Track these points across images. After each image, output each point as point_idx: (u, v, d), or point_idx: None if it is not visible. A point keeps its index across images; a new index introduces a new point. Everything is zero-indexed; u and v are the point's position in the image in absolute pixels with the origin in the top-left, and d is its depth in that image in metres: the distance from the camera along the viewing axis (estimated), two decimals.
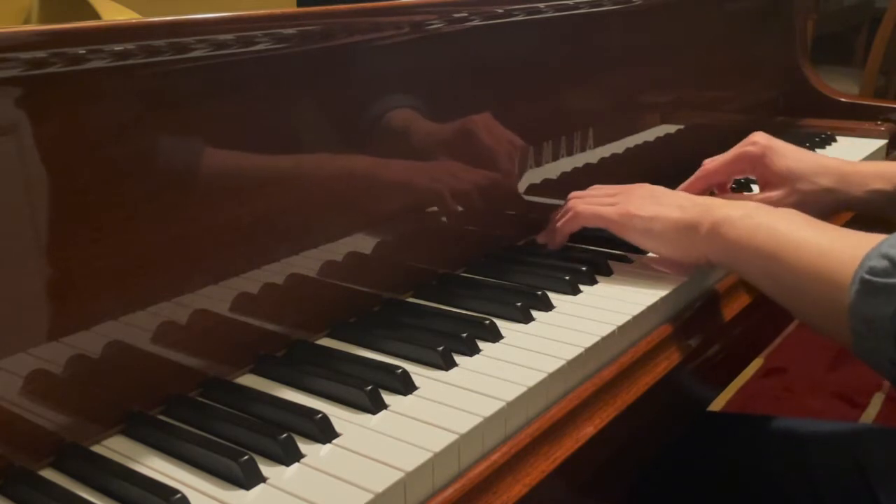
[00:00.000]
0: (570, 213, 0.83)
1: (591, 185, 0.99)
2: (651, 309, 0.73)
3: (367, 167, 0.72)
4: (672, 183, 1.03)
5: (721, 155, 0.95)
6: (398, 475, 0.50)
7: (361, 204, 0.72)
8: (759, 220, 0.70)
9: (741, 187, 1.04)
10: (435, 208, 0.79)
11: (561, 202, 0.96)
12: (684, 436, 0.84)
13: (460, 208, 0.82)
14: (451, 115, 0.80)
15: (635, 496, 0.83)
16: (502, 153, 0.86)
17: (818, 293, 0.64)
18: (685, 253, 0.77)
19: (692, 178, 0.95)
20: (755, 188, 1.01)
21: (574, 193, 0.87)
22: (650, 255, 0.82)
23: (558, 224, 0.85)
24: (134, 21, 0.60)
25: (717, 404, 1.89)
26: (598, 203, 0.82)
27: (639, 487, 0.81)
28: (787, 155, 0.92)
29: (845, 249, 0.62)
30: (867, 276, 0.58)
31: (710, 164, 0.95)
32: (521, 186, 0.89)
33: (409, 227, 0.77)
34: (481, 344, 0.66)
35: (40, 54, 0.49)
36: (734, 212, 0.73)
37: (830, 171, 0.91)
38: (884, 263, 0.58)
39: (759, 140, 0.94)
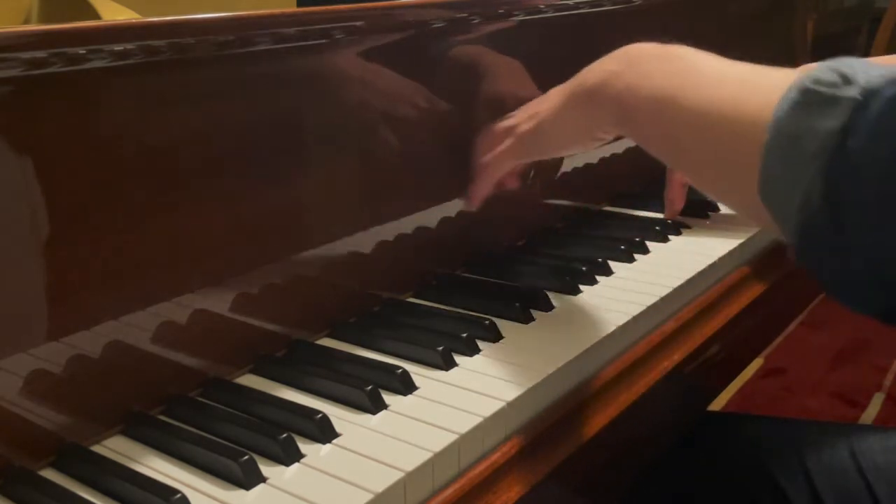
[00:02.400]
0: (479, 173, 0.77)
1: (591, 185, 0.99)
2: (652, 308, 0.73)
3: (366, 166, 0.72)
4: None
5: None
6: (398, 475, 0.50)
7: (361, 203, 0.72)
8: (647, 65, 0.59)
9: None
10: (435, 208, 0.79)
11: (560, 202, 0.96)
12: (685, 435, 0.84)
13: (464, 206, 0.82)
14: (451, 115, 0.80)
15: (636, 496, 0.83)
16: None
17: (729, 130, 0.51)
18: (583, 132, 0.67)
19: (673, 174, 0.92)
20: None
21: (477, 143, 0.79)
22: (642, 260, 0.81)
23: (471, 189, 0.79)
24: (134, 21, 0.60)
25: (717, 404, 1.89)
26: (496, 140, 0.75)
27: (639, 487, 0.81)
28: None
29: (774, 78, 0.51)
30: (811, 85, 0.46)
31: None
32: (524, 184, 0.89)
33: (410, 227, 0.77)
34: (481, 344, 0.66)
35: (40, 54, 0.49)
36: (614, 65, 0.62)
37: None
38: (832, 76, 0.46)
39: None
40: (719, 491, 0.84)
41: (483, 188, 0.78)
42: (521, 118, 0.73)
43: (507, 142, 0.74)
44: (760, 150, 0.47)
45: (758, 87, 0.52)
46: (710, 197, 0.57)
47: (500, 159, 0.75)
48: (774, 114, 0.47)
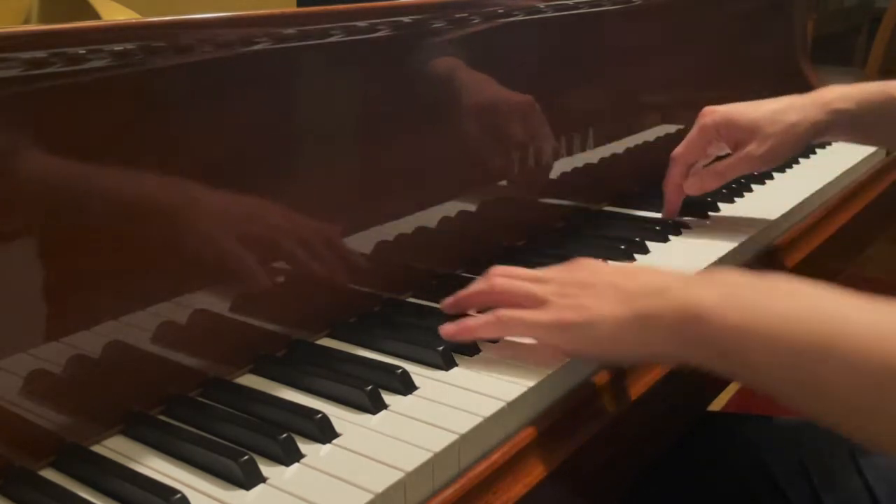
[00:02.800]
0: (490, 318, 0.64)
1: (591, 185, 0.99)
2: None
3: (365, 166, 0.72)
4: None
5: (684, 139, 0.93)
6: (398, 475, 0.50)
7: (361, 203, 0.72)
8: (750, 301, 0.52)
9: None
10: (435, 208, 0.79)
11: (560, 202, 0.96)
12: (685, 435, 0.84)
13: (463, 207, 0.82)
14: (451, 114, 0.80)
15: (636, 495, 0.83)
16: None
17: (881, 390, 0.46)
18: (649, 355, 0.61)
19: (669, 174, 0.93)
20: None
21: (496, 270, 0.67)
22: (641, 260, 0.81)
23: (471, 323, 0.65)
24: (134, 21, 0.60)
25: (717, 404, 1.88)
26: (522, 296, 0.64)
27: (640, 486, 0.81)
28: (745, 109, 0.91)
29: None
30: None
31: (676, 151, 0.93)
32: (521, 186, 0.89)
33: (410, 227, 0.77)
34: (482, 344, 0.66)
35: (40, 54, 0.49)
36: (707, 292, 0.54)
37: (788, 107, 0.89)
38: None
39: (712, 108, 0.93)
40: (719, 490, 0.84)
41: (481, 334, 0.65)
42: (561, 295, 0.62)
43: (542, 316, 0.62)
44: None
45: None
46: (855, 439, 0.51)
47: (523, 326, 0.63)
48: None
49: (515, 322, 0.63)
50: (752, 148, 0.89)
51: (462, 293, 0.69)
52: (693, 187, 0.92)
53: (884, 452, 0.50)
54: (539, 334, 0.63)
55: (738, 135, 0.91)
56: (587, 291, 0.61)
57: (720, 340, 0.53)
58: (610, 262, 0.80)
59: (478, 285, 0.68)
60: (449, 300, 0.70)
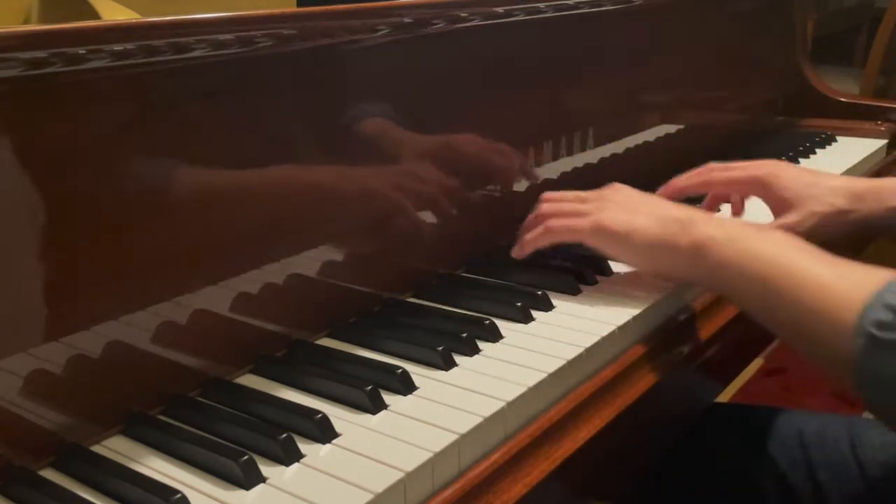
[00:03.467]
0: (540, 229, 0.77)
1: (590, 184, 0.99)
2: (650, 308, 0.73)
3: (367, 167, 0.72)
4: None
5: (730, 168, 0.90)
6: (398, 475, 0.50)
7: (361, 203, 0.72)
8: (747, 244, 0.66)
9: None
10: (436, 207, 0.79)
11: None
12: (692, 426, 0.84)
13: (454, 212, 0.82)
14: (451, 114, 0.80)
15: (644, 485, 0.83)
16: (495, 161, 0.85)
17: (818, 332, 0.60)
18: (664, 271, 0.73)
19: (694, 174, 0.90)
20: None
21: (546, 196, 0.81)
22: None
23: (528, 238, 0.78)
24: (134, 21, 0.60)
25: (724, 396, 1.89)
26: (569, 212, 0.77)
27: (646, 479, 0.81)
28: (796, 177, 0.88)
29: (848, 288, 0.58)
30: (874, 331, 0.55)
31: (717, 174, 0.89)
32: (521, 186, 0.89)
33: (410, 227, 0.77)
34: (481, 344, 0.66)
35: (40, 54, 0.49)
36: (717, 231, 0.68)
37: (842, 191, 0.86)
38: (889, 316, 0.55)
39: (768, 166, 0.89)
40: (725, 480, 0.84)
41: (538, 244, 0.78)
42: (609, 207, 0.75)
43: (584, 221, 0.75)
44: (850, 365, 0.56)
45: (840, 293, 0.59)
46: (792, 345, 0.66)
47: (569, 232, 0.76)
48: (854, 351, 0.56)
49: (563, 229, 0.76)
50: (793, 220, 0.85)
51: (527, 238, 0.79)
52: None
53: (819, 370, 0.63)
54: (583, 238, 0.75)
55: (779, 200, 0.87)
56: (627, 208, 0.74)
57: (716, 270, 0.67)
58: (610, 261, 0.81)
59: (536, 230, 0.79)
60: (516, 247, 0.80)
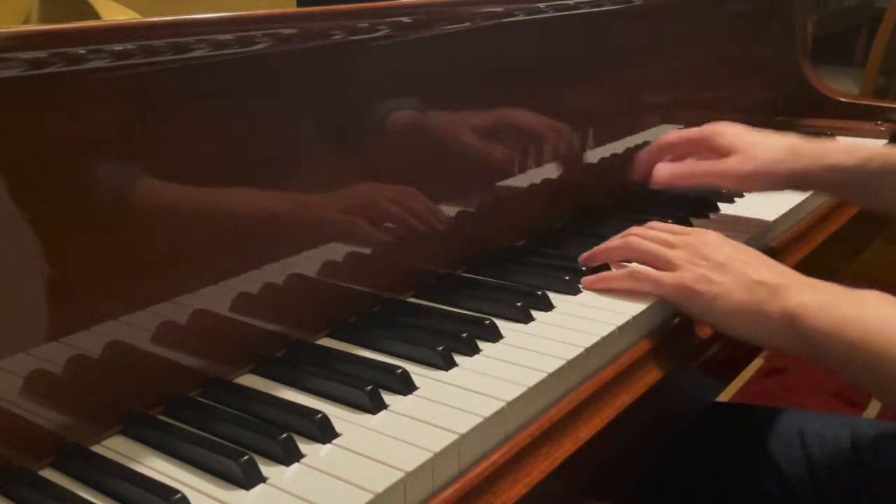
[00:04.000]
0: (625, 273, 0.75)
1: (591, 184, 0.99)
2: (649, 310, 0.73)
3: (367, 167, 0.72)
4: None
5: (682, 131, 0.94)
6: (398, 475, 0.50)
7: (362, 204, 0.72)
8: (845, 311, 0.64)
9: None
10: (436, 208, 0.79)
11: (560, 202, 0.95)
12: (693, 425, 0.84)
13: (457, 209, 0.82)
14: (451, 114, 0.80)
15: (645, 484, 0.84)
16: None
17: None
18: (754, 337, 0.70)
19: (646, 151, 0.94)
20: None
21: (631, 230, 0.79)
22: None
23: (608, 277, 0.76)
24: (134, 21, 0.60)
25: (725, 395, 1.88)
26: (656, 255, 0.75)
27: (646, 478, 0.81)
28: (741, 132, 0.90)
29: None
30: None
31: (668, 136, 0.93)
32: (522, 186, 0.89)
33: (409, 227, 0.77)
34: (481, 344, 0.66)
35: (40, 54, 0.49)
36: (809, 298, 0.66)
37: (782, 145, 0.88)
38: None
39: (717, 125, 0.92)
40: (726, 479, 0.84)
41: (617, 287, 0.75)
42: (691, 264, 0.72)
43: (668, 279, 0.72)
44: None
45: None
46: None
47: (656, 286, 0.73)
48: None
49: (647, 278, 0.74)
50: (730, 163, 0.88)
51: (599, 247, 0.79)
52: (659, 175, 0.91)
53: None
54: (666, 293, 0.73)
55: (722, 153, 0.90)
56: (714, 267, 0.71)
57: (814, 341, 0.65)
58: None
59: (614, 241, 0.78)
60: (586, 254, 0.80)
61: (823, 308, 0.65)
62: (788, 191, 0.94)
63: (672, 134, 0.94)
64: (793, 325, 0.66)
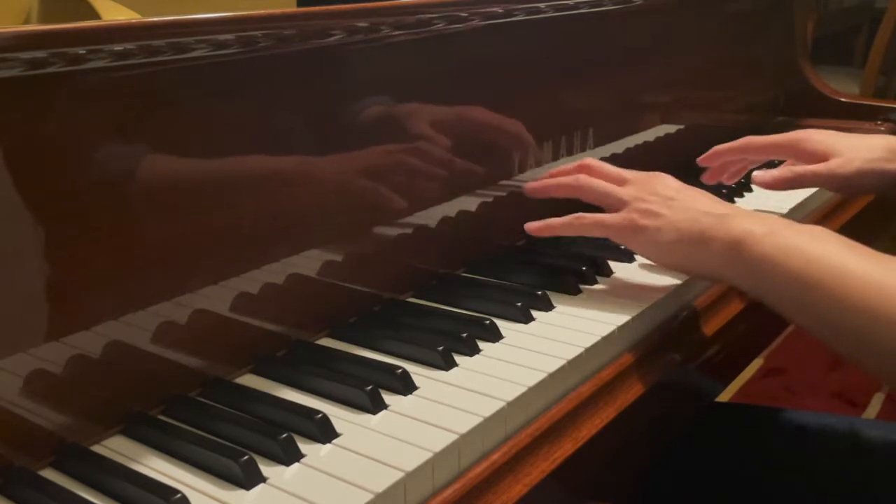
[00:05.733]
0: (571, 220, 0.76)
1: None
2: (650, 308, 0.73)
3: (367, 168, 0.72)
4: None
5: (768, 137, 0.94)
6: (398, 475, 0.50)
7: (361, 204, 0.72)
8: (789, 240, 0.63)
9: (735, 191, 1.03)
10: (435, 208, 0.79)
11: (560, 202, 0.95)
12: (693, 425, 0.84)
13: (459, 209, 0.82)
14: (451, 114, 0.80)
15: (646, 485, 0.84)
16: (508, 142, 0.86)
17: (872, 332, 0.57)
18: (695, 267, 0.70)
19: (729, 146, 0.94)
20: (747, 196, 1.00)
21: (587, 162, 0.79)
22: (642, 260, 0.80)
23: (555, 224, 0.77)
24: (134, 21, 0.60)
25: (725, 395, 1.88)
26: (606, 192, 0.75)
27: (647, 478, 0.81)
28: (833, 136, 0.90)
29: None
30: None
31: (752, 140, 0.93)
32: (522, 186, 0.89)
33: (410, 227, 0.77)
34: (481, 344, 0.66)
35: (40, 54, 0.49)
36: (756, 227, 0.65)
37: (880, 145, 0.88)
38: None
39: (804, 130, 0.93)
40: (725, 479, 0.84)
41: (562, 233, 0.77)
42: (639, 200, 0.72)
43: (616, 218, 0.73)
44: None
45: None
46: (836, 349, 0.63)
47: (600, 228, 0.74)
48: None
49: (593, 223, 0.74)
50: (836, 164, 0.87)
51: (549, 182, 0.79)
52: (764, 180, 0.90)
53: (867, 372, 0.61)
54: (612, 234, 0.73)
55: (815, 158, 0.89)
56: (662, 201, 0.71)
57: (754, 266, 0.64)
58: (610, 261, 0.81)
59: (564, 179, 0.78)
60: (534, 184, 0.81)
61: (768, 236, 0.63)
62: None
63: (757, 138, 0.93)
64: (737, 250, 0.64)
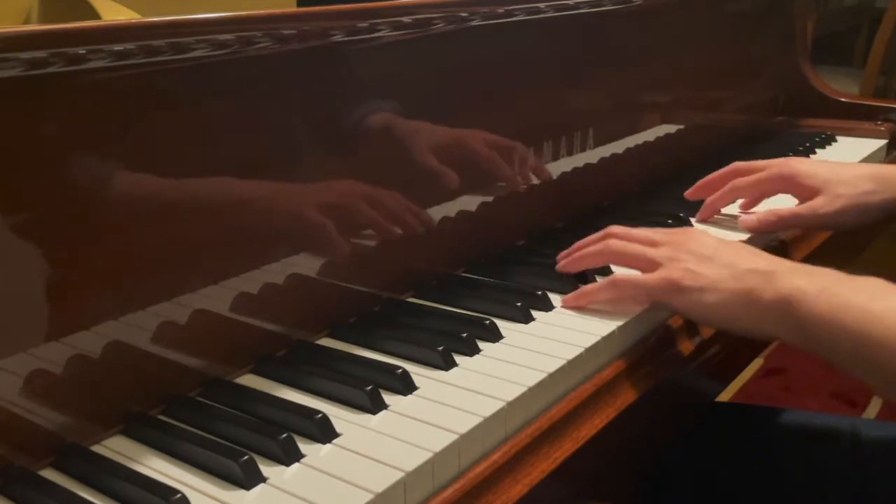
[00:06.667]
0: (604, 282, 0.72)
1: (592, 184, 0.99)
2: (650, 310, 0.73)
3: (364, 166, 0.72)
4: (672, 184, 1.03)
5: (753, 168, 0.92)
6: (398, 475, 0.50)
7: (362, 204, 0.72)
8: (844, 299, 0.60)
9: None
10: (435, 208, 0.79)
11: (560, 202, 0.95)
12: (693, 425, 0.84)
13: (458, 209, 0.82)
14: (451, 114, 0.80)
15: (646, 485, 0.84)
16: (500, 159, 0.86)
17: None
18: (745, 328, 0.67)
19: (719, 193, 0.92)
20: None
21: (612, 230, 0.76)
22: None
23: (589, 290, 0.72)
24: (134, 21, 0.60)
25: (725, 395, 1.89)
26: (637, 255, 0.72)
27: (649, 476, 0.81)
28: (819, 167, 0.90)
29: None
30: None
31: (740, 181, 0.91)
32: (522, 186, 0.89)
33: (409, 227, 0.77)
34: (481, 344, 0.66)
35: (40, 54, 0.49)
36: (807, 284, 0.62)
37: (866, 175, 0.88)
38: None
39: (791, 161, 0.92)
40: (725, 479, 0.84)
41: (601, 299, 0.72)
42: (675, 260, 0.69)
43: (654, 279, 0.69)
44: None
45: None
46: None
47: (633, 288, 0.70)
48: None
49: (630, 284, 0.71)
50: (820, 203, 0.87)
51: (578, 255, 0.76)
52: (748, 225, 0.89)
53: None
54: (652, 294, 0.70)
55: (805, 191, 0.89)
56: (701, 260, 0.68)
57: (810, 327, 0.61)
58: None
59: (595, 247, 0.75)
60: (564, 261, 0.77)
61: (822, 294, 0.61)
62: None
63: (742, 180, 0.91)
64: (788, 310, 0.62)
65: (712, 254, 0.68)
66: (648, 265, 0.71)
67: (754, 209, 0.95)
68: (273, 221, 0.65)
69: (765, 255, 0.69)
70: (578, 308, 0.72)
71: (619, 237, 0.75)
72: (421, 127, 0.77)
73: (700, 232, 0.73)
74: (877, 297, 0.60)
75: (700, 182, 0.95)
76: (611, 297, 0.71)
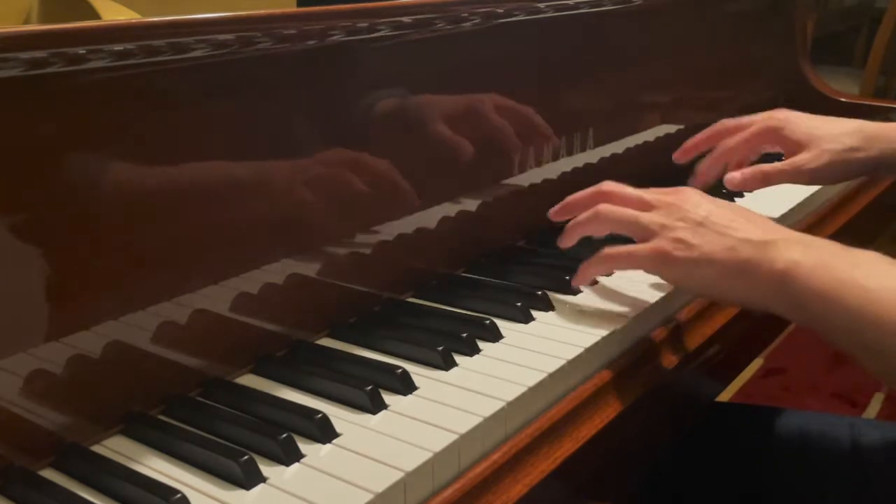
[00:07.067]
0: (599, 258, 0.71)
1: (590, 185, 0.99)
2: (650, 308, 0.73)
3: (365, 165, 0.72)
4: (672, 184, 1.03)
5: (740, 126, 0.91)
6: (398, 475, 0.50)
7: (361, 203, 0.72)
8: (841, 275, 0.59)
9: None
10: (436, 208, 0.79)
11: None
12: (694, 425, 0.84)
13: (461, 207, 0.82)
14: (453, 114, 0.80)
15: (648, 485, 0.84)
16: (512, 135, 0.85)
17: None
18: (736, 300, 0.66)
19: (709, 158, 0.91)
20: (747, 196, 1.00)
21: (606, 188, 0.74)
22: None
23: (585, 267, 0.72)
24: (134, 21, 0.61)
25: (725, 395, 1.89)
26: (629, 220, 0.70)
27: (651, 477, 0.81)
28: (807, 121, 0.89)
29: None
30: None
31: (728, 142, 0.90)
32: (522, 186, 0.89)
33: (410, 227, 0.77)
34: (481, 344, 0.66)
35: (40, 54, 0.49)
36: (802, 256, 0.61)
37: (853, 131, 0.87)
38: None
39: (778, 113, 0.92)
40: (725, 479, 0.84)
41: (596, 273, 0.72)
42: (668, 228, 0.67)
43: (645, 249, 0.67)
44: None
45: None
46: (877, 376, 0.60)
47: (630, 261, 0.69)
48: None
49: (623, 258, 0.69)
50: (804, 159, 0.86)
51: (570, 225, 0.73)
52: (734, 182, 0.87)
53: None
54: (644, 267, 0.69)
55: (793, 144, 0.88)
56: (693, 228, 0.66)
57: (806, 301, 0.60)
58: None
59: (586, 214, 0.72)
60: (556, 212, 0.76)
61: (817, 268, 0.60)
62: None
63: (730, 140, 0.90)
64: (783, 285, 0.61)
65: (704, 218, 0.66)
66: (640, 232, 0.69)
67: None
68: (272, 222, 0.65)
69: (760, 219, 0.68)
70: (581, 284, 0.74)
71: (611, 197, 0.72)
72: (421, 127, 0.77)
73: (693, 192, 0.71)
74: (874, 275, 0.59)
75: (687, 143, 0.94)
76: (606, 270, 0.72)
